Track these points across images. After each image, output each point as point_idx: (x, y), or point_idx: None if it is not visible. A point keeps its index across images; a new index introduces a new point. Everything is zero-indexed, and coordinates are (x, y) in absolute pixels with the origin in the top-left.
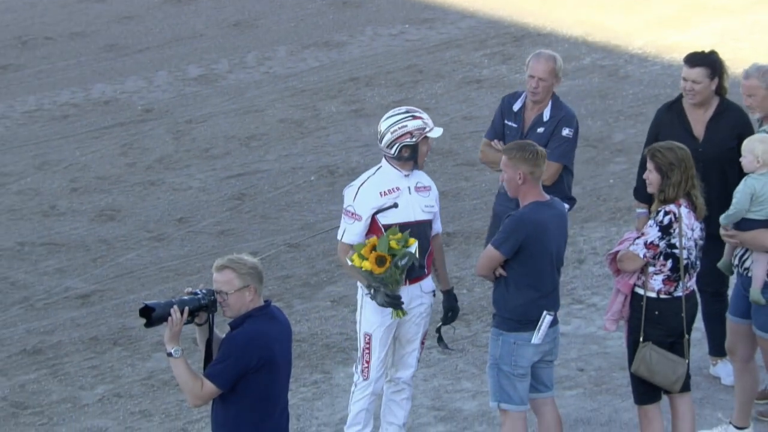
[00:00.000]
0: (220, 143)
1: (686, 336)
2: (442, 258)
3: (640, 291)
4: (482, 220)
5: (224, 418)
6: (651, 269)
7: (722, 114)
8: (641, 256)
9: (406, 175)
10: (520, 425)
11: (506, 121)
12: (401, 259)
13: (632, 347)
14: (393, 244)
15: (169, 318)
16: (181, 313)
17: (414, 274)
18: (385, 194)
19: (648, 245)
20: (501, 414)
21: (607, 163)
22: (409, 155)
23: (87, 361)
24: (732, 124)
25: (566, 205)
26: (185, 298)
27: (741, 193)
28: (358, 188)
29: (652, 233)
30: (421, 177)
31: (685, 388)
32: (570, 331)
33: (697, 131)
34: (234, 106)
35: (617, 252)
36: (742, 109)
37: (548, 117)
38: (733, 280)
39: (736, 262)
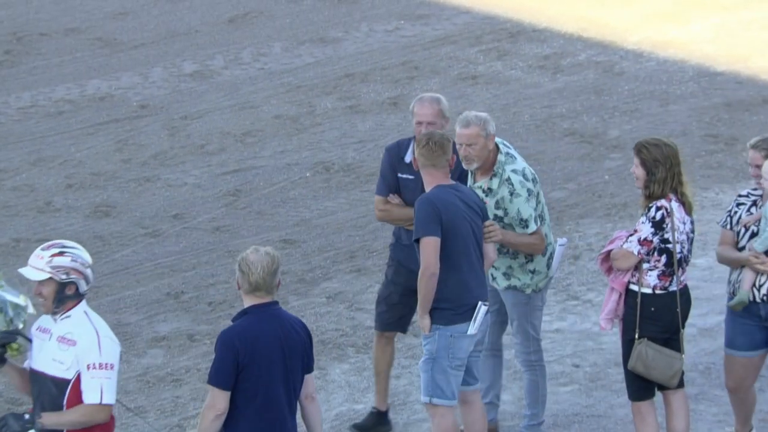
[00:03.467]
0: (215, 139)
1: (681, 330)
2: None
3: (635, 288)
4: None
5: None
6: (645, 265)
7: None
8: (635, 253)
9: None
10: (450, 419)
11: (400, 174)
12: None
13: (628, 344)
14: None
15: None
16: None
17: None
18: None
19: (642, 242)
20: (429, 408)
21: (602, 159)
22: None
23: None
24: None
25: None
26: None
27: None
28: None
29: (645, 229)
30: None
31: (680, 383)
32: (565, 327)
33: None
34: (229, 102)
35: (609, 251)
36: None
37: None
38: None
39: (758, 294)
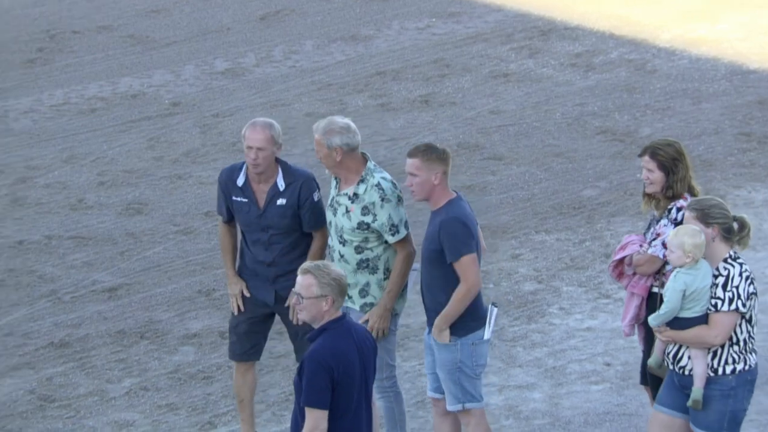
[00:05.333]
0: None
1: None
2: None
3: (656, 290)
4: (508, 214)
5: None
6: (668, 267)
7: None
8: (661, 256)
9: None
10: (485, 420)
11: (234, 197)
12: None
13: (650, 349)
14: None
15: None
16: None
17: None
18: None
19: (666, 245)
20: (463, 416)
21: (633, 158)
22: None
23: (114, 355)
24: None
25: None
26: None
27: (672, 290)
28: None
29: (669, 232)
30: None
31: None
32: (597, 325)
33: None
34: (261, 99)
35: (622, 258)
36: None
37: (284, 185)
38: None
39: (669, 360)
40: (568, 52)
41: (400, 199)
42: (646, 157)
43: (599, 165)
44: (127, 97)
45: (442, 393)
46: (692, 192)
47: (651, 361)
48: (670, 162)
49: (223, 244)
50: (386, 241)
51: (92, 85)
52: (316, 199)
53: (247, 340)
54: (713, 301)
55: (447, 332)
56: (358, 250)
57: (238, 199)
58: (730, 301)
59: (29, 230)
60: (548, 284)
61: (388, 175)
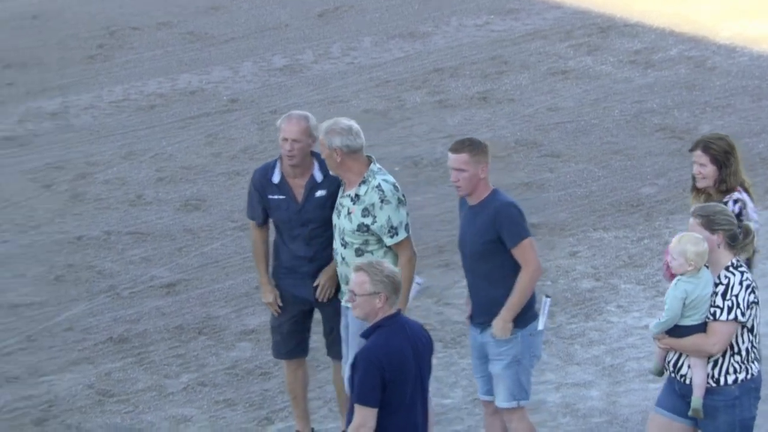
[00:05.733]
0: None
1: None
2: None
3: None
4: (566, 211)
5: None
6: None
7: None
8: None
9: None
10: (528, 418)
11: (270, 195)
12: None
13: None
14: None
15: None
16: None
17: None
18: None
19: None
20: (512, 413)
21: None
22: None
23: (172, 350)
24: None
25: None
26: None
27: (672, 298)
28: None
29: None
30: None
31: None
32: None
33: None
34: (318, 96)
35: None
36: None
37: (322, 177)
38: None
39: (670, 368)
40: (627, 49)
41: (401, 202)
42: (698, 152)
43: (658, 162)
44: (186, 93)
45: (492, 394)
46: (744, 185)
47: (651, 369)
48: (723, 155)
49: (257, 250)
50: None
51: (151, 81)
52: None
53: (291, 339)
54: (712, 310)
55: (511, 325)
56: (359, 252)
57: (275, 197)
58: (729, 309)
59: (88, 226)
60: (606, 282)
61: (390, 178)
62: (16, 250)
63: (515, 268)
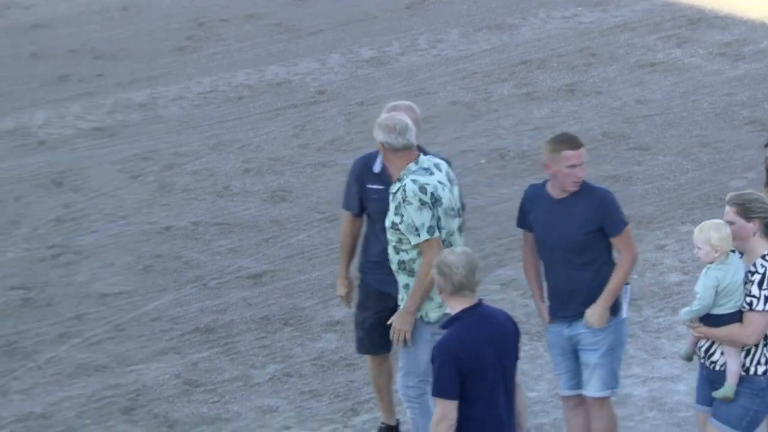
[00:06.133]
0: None
1: None
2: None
3: None
4: (653, 204)
5: None
6: None
7: None
8: None
9: None
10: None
11: (369, 185)
12: None
13: None
14: None
15: None
16: None
17: None
18: None
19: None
20: (602, 402)
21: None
22: None
23: (258, 341)
24: None
25: None
26: None
27: (704, 287)
28: None
29: None
30: None
31: None
32: None
33: None
34: (405, 88)
35: None
36: None
37: None
38: None
39: (702, 354)
40: (717, 42)
41: (424, 204)
42: None
43: (747, 156)
44: (273, 85)
45: (577, 389)
46: None
47: (681, 354)
48: None
49: (345, 241)
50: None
51: (239, 72)
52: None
53: (376, 334)
54: (748, 300)
55: (608, 313)
56: (395, 250)
57: (374, 186)
58: (766, 300)
59: (176, 216)
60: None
61: (421, 179)
62: (105, 240)
63: (608, 256)
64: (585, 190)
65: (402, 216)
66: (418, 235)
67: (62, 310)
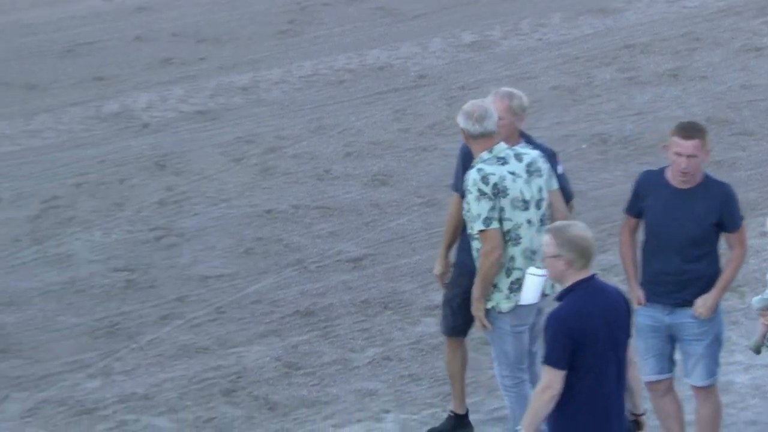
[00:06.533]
0: None
1: None
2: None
3: None
4: (757, 190)
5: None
6: None
7: None
8: None
9: None
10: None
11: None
12: None
13: None
14: None
15: None
16: None
17: None
18: None
19: None
20: (707, 391)
21: None
22: None
23: (357, 324)
24: None
25: None
26: None
27: None
28: None
29: None
30: None
31: None
32: None
33: None
34: (507, 72)
35: None
36: None
37: None
38: None
39: None
40: None
41: (483, 194)
42: None
43: None
44: (375, 69)
45: (666, 373)
46: None
47: (750, 344)
48: None
49: (450, 222)
50: (506, 240)
51: (341, 56)
52: (560, 171)
53: (461, 315)
54: None
55: (717, 304)
56: (471, 237)
57: None
58: None
59: (277, 199)
60: None
61: (487, 169)
62: (207, 223)
63: (717, 248)
64: (708, 182)
65: (468, 203)
66: (476, 224)
67: (164, 292)
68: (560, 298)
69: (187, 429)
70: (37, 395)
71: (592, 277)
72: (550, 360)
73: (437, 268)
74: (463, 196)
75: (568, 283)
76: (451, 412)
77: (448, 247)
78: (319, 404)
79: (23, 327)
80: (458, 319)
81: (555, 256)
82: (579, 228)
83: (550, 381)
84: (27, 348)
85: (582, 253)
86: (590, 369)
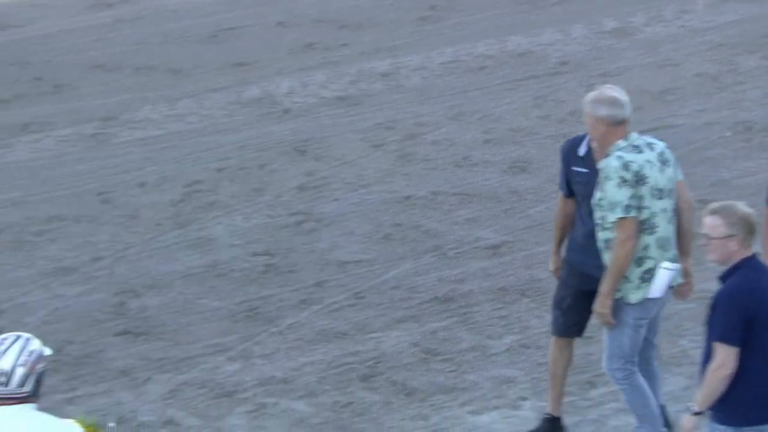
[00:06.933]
0: (633, 97)
1: None
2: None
3: None
4: None
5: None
6: None
7: None
8: None
9: None
10: None
11: (574, 167)
12: None
13: None
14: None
15: None
16: None
17: None
18: None
19: None
20: None
21: None
22: None
23: (496, 311)
24: None
25: None
26: None
27: None
28: None
29: None
30: None
31: None
32: None
33: None
34: (649, 59)
35: None
36: None
37: None
38: None
39: None
40: None
41: (625, 181)
42: None
43: None
44: (515, 55)
45: None
46: None
47: None
48: None
49: (557, 220)
50: (642, 228)
51: (481, 43)
52: None
53: (572, 315)
54: None
55: None
56: (601, 227)
57: (578, 169)
58: None
59: (416, 186)
60: None
61: (627, 156)
62: (346, 209)
63: None
64: None
65: (603, 191)
66: (613, 210)
67: (304, 276)
68: (725, 276)
69: (325, 413)
70: (178, 377)
71: (755, 255)
72: (722, 336)
73: (551, 265)
74: (567, 195)
75: (734, 261)
76: (547, 414)
77: (558, 244)
78: (456, 390)
79: (165, 310)
80: (570, 320)
81: (727, 236)
82: (743, 206)
83: (724, 359)
84: (168, 331)
85: (751, 230)
86: (763, 347)
